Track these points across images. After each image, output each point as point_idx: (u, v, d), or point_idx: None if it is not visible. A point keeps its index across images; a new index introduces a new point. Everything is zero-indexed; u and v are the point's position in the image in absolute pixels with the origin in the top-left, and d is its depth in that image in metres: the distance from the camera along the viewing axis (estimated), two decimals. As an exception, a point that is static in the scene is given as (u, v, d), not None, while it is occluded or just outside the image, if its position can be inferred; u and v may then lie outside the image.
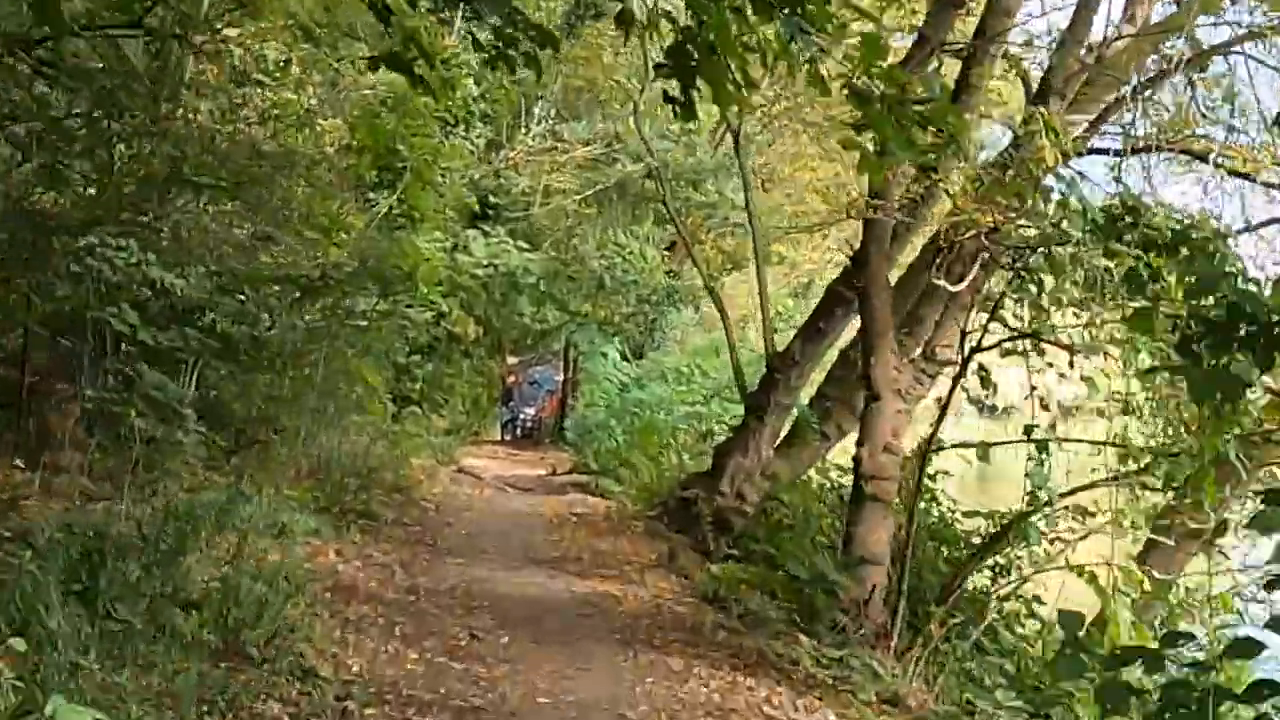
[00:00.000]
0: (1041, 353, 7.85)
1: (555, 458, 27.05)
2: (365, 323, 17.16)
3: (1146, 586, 8.45)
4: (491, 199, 22.24)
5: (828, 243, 28.28)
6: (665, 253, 26.44)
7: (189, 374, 12.54)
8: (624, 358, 25.55)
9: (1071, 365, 7.99)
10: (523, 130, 21.93)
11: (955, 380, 8.67)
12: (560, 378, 33.06)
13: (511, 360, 36.59)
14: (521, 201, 22.56)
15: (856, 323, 14.60)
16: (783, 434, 14.76)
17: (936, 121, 5.11)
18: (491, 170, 21.98)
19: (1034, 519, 8.03)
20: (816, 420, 13.66)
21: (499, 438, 32.11)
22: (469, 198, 19.87)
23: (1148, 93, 10.01)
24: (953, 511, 12.75)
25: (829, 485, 14.37)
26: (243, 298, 12.15)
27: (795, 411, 14.66)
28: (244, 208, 14.53)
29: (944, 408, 8.81)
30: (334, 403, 15.40)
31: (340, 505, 12.52)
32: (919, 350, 11.27)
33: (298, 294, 12.52)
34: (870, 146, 5.17)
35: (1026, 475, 7.89)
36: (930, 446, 9.11)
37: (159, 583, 7.18)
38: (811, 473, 14.74)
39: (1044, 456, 7.90)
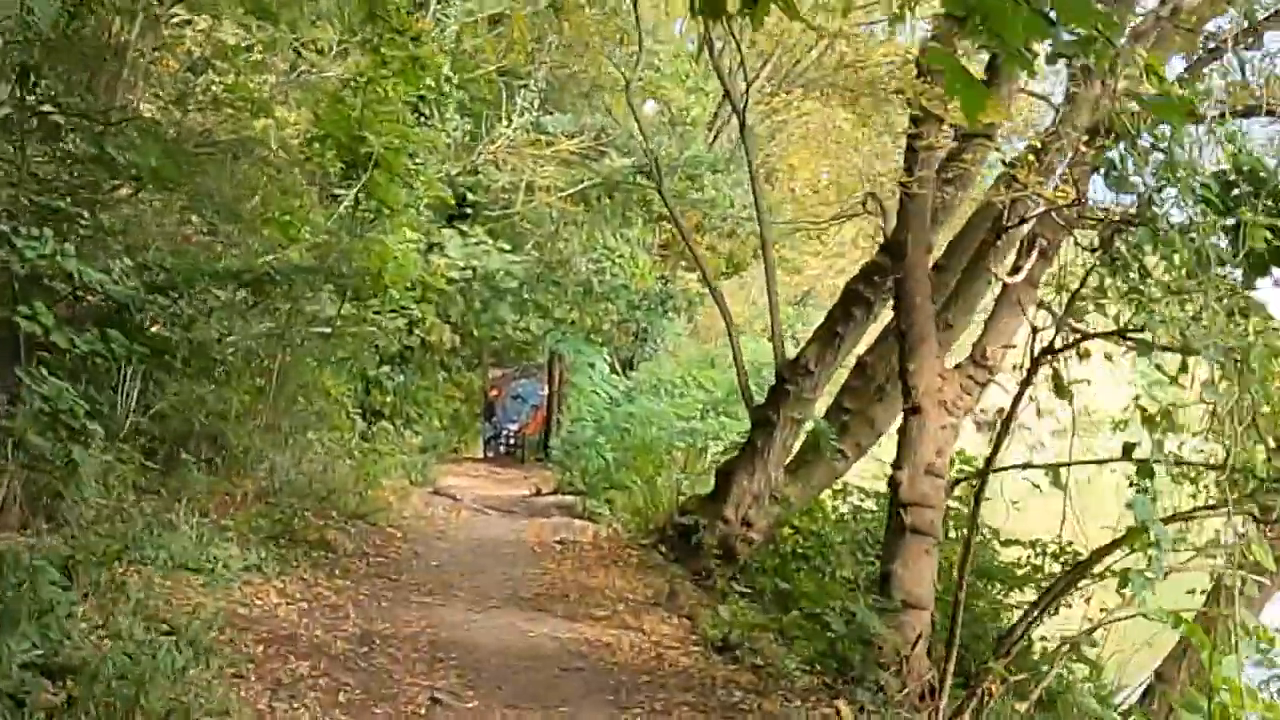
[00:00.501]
0: (1148, 351, 6.25)
1: (539, 476, 25.41)
2: (328, 330, 15.56)
3: (1268, 639, 6.85)
4: (469, 196, 20.60)
5: (831, 245, 26.79)
6: (657, 258, 24.85)
7: (123, 385, 10.98)
8: (613, 370, 23.91)
9: (1185, 369, 6.39)
10: (503, 122, 20.30)
11: (1022, 387, 7.06)
12: (545, 392, 31.42)
13: (494, 373, 35.20)
14: (502, 199, 20.92)
15: (877, 328, 13.09)
16: (794, 452, 13.16)
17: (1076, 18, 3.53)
18: (469, 165, 20.32)
19: (1138, 563, 6.43)
20: (834, 436, 12.07)
21: (481, 455, 30.64)
22: (445, 192, 18.20)
23: (1238, 48, 8.45)
24: (986, 540, 11.21)
25: (848, 510, 12.78)
26: (176, 296, 10.48)
27: (808, 427, 13.06)
28: (189, 199, 12.96)
29: (1006, 420, 7.22)
30: (290, 418, 13.76)
31: (290, 534, 10.87)
32: (947, 352, 9.69)
33: (240, 294, 10.84)
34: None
35: (1128, 505, 6.28)
36: (991, 468, 7.51)
37: (14, 643, 5.53)
38: (826, 495, 13.15)
39: (1145, 483, 6.29)
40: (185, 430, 11.79)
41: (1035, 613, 7.67)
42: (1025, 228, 8.53)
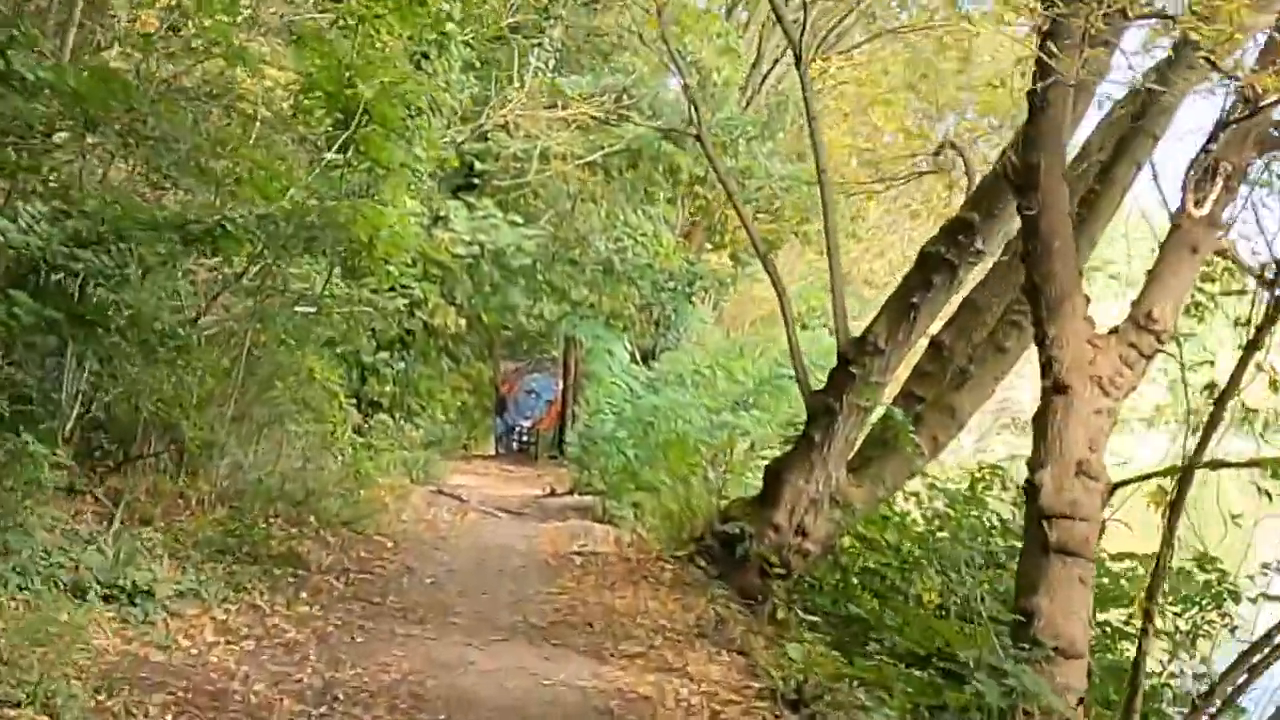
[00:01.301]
0: None
1: (554, 475, 23.52)
2: (314, 308, 13.55)
3: None
4: (477, 165, 18.56)
5: (870, 223, 24.62)
6: (680, 238, 22.73)
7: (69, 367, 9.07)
8: (633, 360, 21.82)
9: None
10: (516, 84, 18.26)
11: (1245, 356, 4.99)
12: (559, 386, 30.02)
13: (505, 367, 33.56)
14: (513, 169, 18.86)
15: (958, 299, 11.03)
16: (856, 447, 11.08)
17: None
18: (477, 131, 18.28)
19: None
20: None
21: (492, 452, 29.21)
22: (448, 153, 16.16)
23: None
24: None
25: (926, 516, 10.69)
26: (104, 250, 8.41)
27: (874, 417, 11.01)
28: (144, 147, 10.95)
29: (1221, 400, 5.17)
30: (263, 407, 11.74)
31: (249, 547, 8.85)
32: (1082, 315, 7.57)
33: (181, 246, 8.78)
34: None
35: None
36: (1197, 462, 5.44)
37: None
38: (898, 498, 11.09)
39: None
40: (130, 420, 9.81)
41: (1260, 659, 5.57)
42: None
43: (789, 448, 11.22)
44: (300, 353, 13.22)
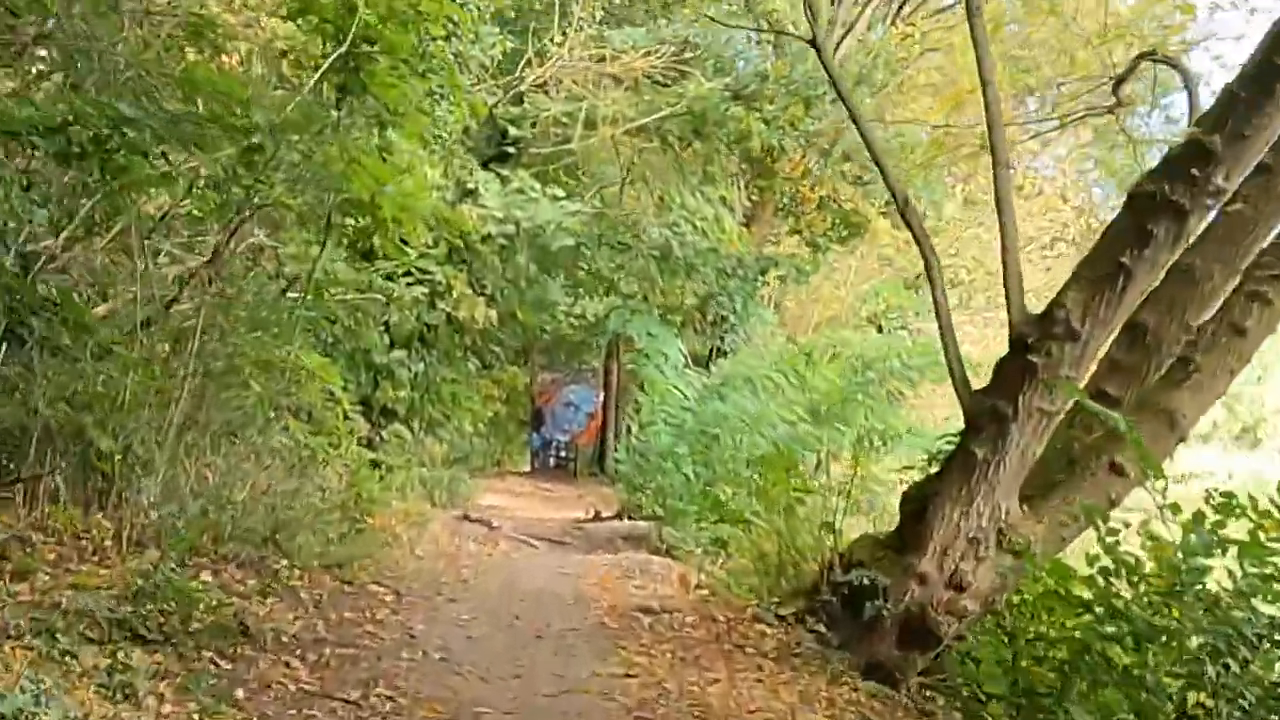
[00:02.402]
0: None
1: (597, 495, 20.79)
2: (295, 295, 10.73)
3: None
4: (512, 131, 15.67)
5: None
6: (742, 227, 19.72)
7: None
8: (688, 365, 18.82)
9: None
10: (558, 37, 15.40)
11: None
12: (600, 397, 28.65)
13: (543, 377, 31.21)
14: (555, 135, 15.95)
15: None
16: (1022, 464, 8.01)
17: None
18: (512, 92, 15.42)
19: None
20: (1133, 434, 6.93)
21: (528, 468, 27.66)
22: (472, 94, 13.27)
23: None
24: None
25: (1132, 564, 7.58)
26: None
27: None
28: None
29: None
30: (226, 412, 8.87)
31: (165, 618, 5.90)
32: None
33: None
34: None
35: None
36: None
37: None
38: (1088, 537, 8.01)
39: None
40: (21, 425, 6.95)
41: None
42: None
43: (937, 469, 8.17)
44: (287, 345, 10.34)
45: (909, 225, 7.90)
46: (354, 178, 9.85)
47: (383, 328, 14.25)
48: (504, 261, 15.64)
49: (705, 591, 10.45)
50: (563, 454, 29.48)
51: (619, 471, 18.04)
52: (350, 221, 10.90)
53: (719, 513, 9.07)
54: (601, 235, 16.23)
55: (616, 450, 22.45)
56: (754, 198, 20.09)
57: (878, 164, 7.95)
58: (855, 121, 8.07)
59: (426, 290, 14.29)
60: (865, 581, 7.77)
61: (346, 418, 13.29)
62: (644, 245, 16.37)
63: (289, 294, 11.19)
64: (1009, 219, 7.72)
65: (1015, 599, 7.94)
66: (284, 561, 7.91)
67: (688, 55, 15.41)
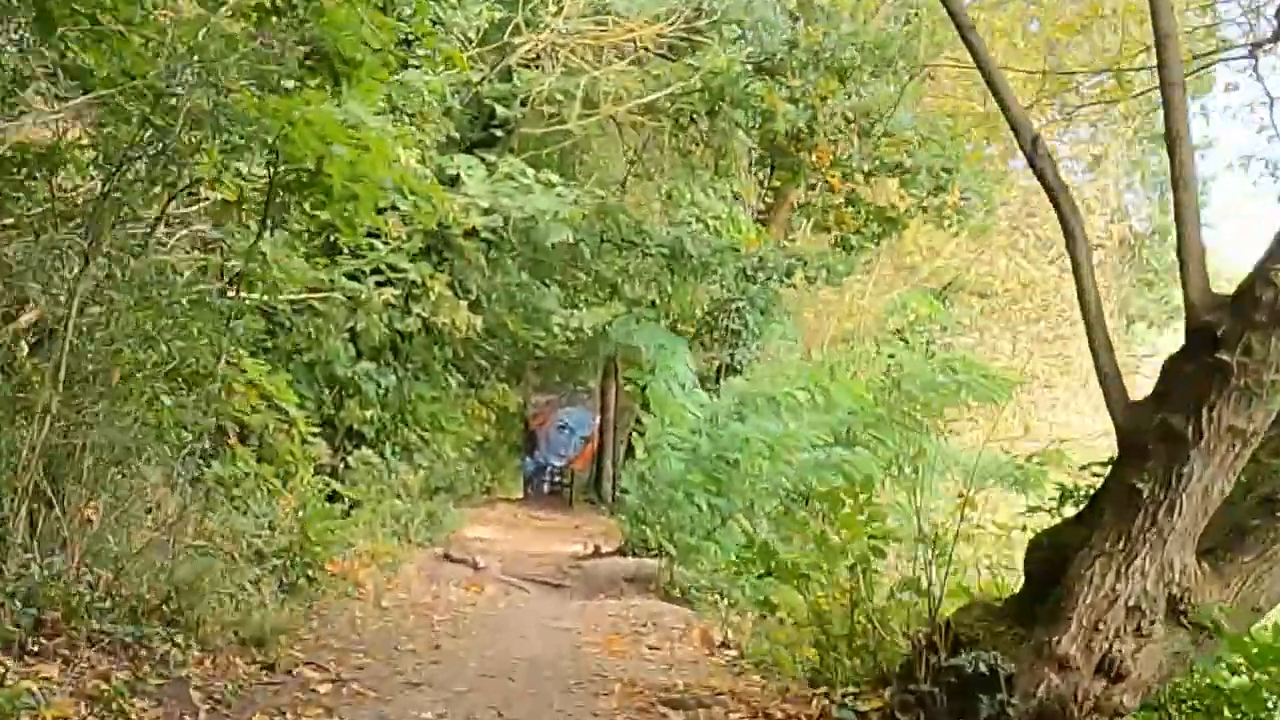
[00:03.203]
0: None
1: (594, 524, 19.74)
2: (219, 283, 8.59)
3: None
4: (499, 111, 13.51)
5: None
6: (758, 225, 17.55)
7: None
8: (699, 385, 16.64)
9: None
10: (551, 4, 13.28)
11: None
12: (596, 420, 27.74)
13: (536, 399, 29.84)
14: (548, 115, 13.80)
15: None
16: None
17: None
18: (500, 66, 13.29)
19: None
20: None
21: (521, 494, 26.16)
22: (446, 43, 11.10)
23: None
24: None
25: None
26: None
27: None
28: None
29: None
30: (114, 433, 6.67)
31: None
32: None
33: None
34: None
35: None
36: None
37: None
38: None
39: None
40: None
41: None
42: None
43: (1076, 512, 5.99)
44: (211, 352, 8.15)
45: (1039, 174, 5.76)
46: (296, 131, 7.74)
47: (347, 335, 12.09)
48: (490, 261, 13.48)
49: (734, 653, 8.29)
50: (557, 480, 28.49)
51: (623, 502, 15.88)
52: (296, 200, 8.78)
53: (766, 562, 6.80)
54: (603, 231, 14.06)
55: (619, 477, 20.50)
56: (770, 192, 17.97)
57: (996, 93, 5.83)
58: (963, 31, 5.93)
59: (399, 292, 12.13)
60: (981, 668, 5.60)
61: (304, 442, 11.16)
62: (652, 243, 14.20)
63: (230, 293, 9.04)
64: (1187, 164, 5.56)
65: (1189, 686, 5.82)
66: (180, 639, 5.72)
67: (702, 22, 13.27)
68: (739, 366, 18.92)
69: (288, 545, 9.01)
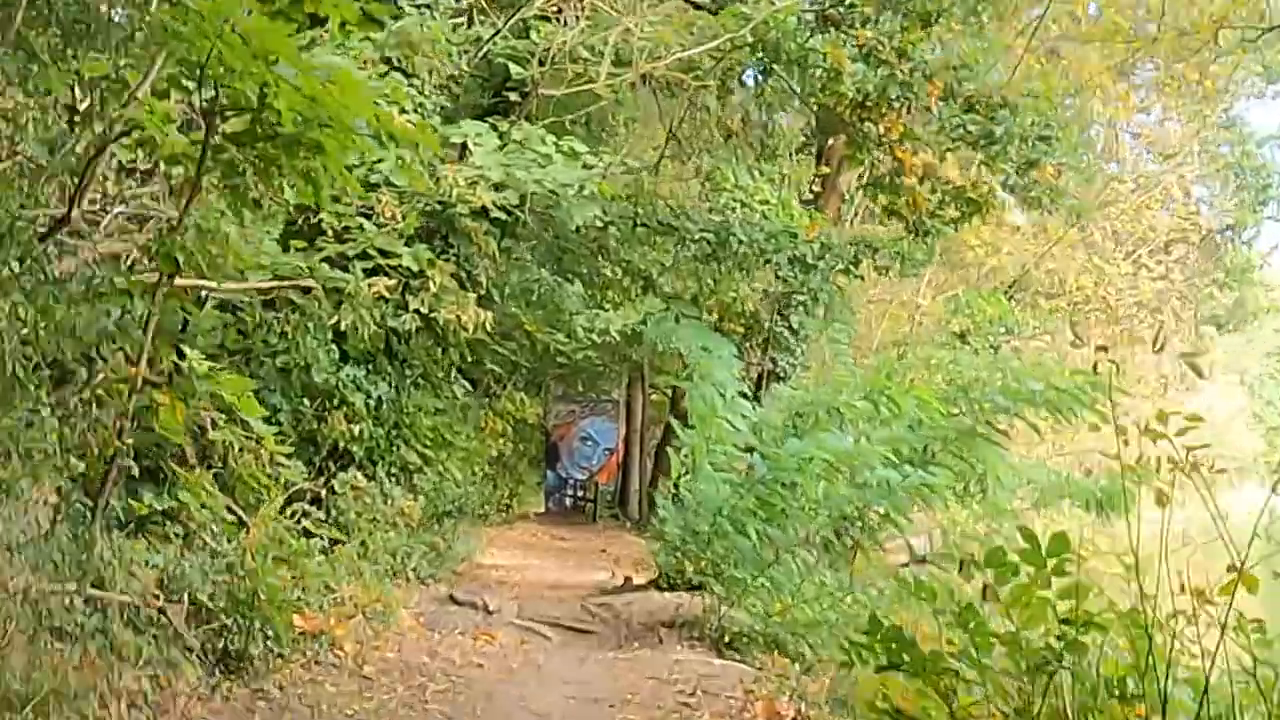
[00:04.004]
0: None
1: (622, 547, 17.45)
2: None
3: None
4: (514, 70, 11.44)
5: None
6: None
7: None
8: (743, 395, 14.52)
9: None
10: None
11: None
12: (621, 431, 26.62)
13: (558, 408, 28.82)
14: (571, 75, 11.73)
15: None
16: None
17: None
18: (514, 18, 11.23)
19: None
20: None
21: (542, 509, 24.76)
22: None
23: None
24: None
25: None
26: None
27: None
28: None
29: None
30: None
31: None
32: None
33: None
34: None
35: None
36: None
37: None
38: None
39: None
40: None
41: None
42: None
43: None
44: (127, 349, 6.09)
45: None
46: (234, 55, 5.68)
47: (330, 334, 10.06)
48: (503, 250, 11.41)
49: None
50: (580, 494, 27.73)
51: (660, 530, 13.77)
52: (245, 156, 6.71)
53: (894, 651, 4.60)
54: (637, 214, 11.95)
55: (646, 494, 18.53)
56: (818, 179, 15.86)
57: None
58: None
59: (394, 283, 10.04)
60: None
61: (274, 463, 9.10)
62: (694, 227, 12.08)
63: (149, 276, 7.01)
64: None
65: None
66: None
67: (755, -34, 11.19)
68: (783, 373, 16.85)
69: (244, 598, 6.99)
